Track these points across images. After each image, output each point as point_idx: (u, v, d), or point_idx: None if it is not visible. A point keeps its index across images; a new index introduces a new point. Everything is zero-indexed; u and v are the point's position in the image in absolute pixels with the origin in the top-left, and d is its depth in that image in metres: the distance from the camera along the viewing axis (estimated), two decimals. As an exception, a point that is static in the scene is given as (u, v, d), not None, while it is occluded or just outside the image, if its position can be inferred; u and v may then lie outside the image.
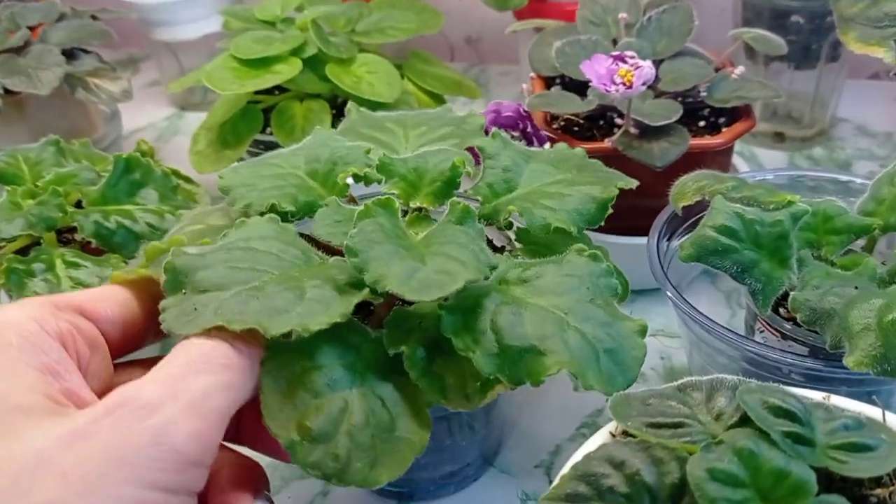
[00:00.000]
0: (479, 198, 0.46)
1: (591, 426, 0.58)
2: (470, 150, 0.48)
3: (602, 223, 0.45)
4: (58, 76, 0.72)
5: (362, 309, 0.40)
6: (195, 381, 0.33)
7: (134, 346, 0.40)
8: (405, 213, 0.45)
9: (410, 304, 0.38)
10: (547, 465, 0.56)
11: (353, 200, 0.47)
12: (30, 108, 0.79)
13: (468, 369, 0.36)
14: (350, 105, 0.55)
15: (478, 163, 0.47)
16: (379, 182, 0.46)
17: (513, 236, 0.47)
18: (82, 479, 0.29)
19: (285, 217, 0.43)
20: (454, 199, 0.42)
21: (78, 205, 0.60)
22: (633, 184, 0.47)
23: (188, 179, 0.67)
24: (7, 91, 0.72)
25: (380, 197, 0.40)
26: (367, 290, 0.36)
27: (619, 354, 0.36)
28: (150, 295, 0.40)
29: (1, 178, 0.62)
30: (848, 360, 0.40)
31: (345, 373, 0.36)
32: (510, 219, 0.45)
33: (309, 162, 0.47)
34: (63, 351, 0.35)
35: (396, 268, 0.36)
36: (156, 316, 0.37)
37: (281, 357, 0.36)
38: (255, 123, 0.73)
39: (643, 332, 0.37)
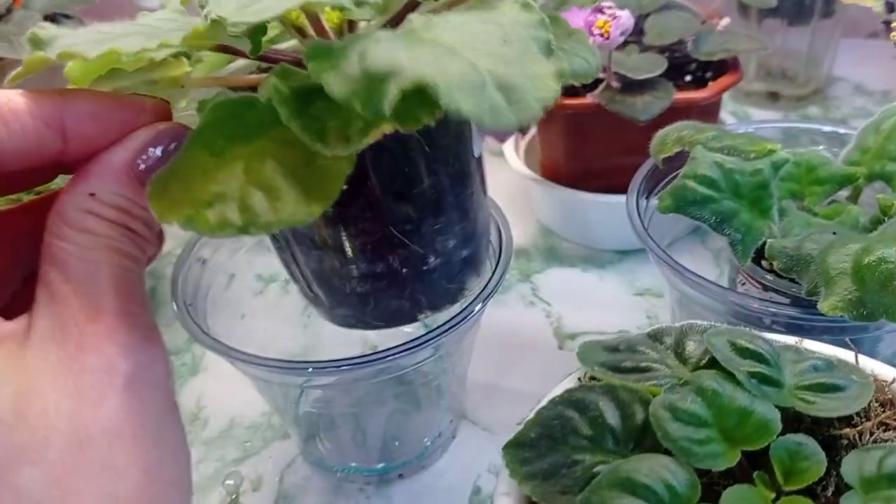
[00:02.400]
0: None
1: (560, 383, 0.58)
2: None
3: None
4: (38, 41, 0.72)
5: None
6: None
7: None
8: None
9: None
10: (530, 423, 0.55)
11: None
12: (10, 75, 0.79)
13: (353, 113, 0.28)
14: None
15: None
16: None
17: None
18: None
19: None
20: None
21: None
22: None
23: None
24: (-11, 57, 0.72)
25: None
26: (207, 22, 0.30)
27: (517, 92, 0.27)
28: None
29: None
30: (823, 305, 0.39)
31: (235, 139, 0.30)
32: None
33: None
34: None
35: (238, 5, 0.30)
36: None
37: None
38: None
39: (558, 76, 0.29)
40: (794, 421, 0.33)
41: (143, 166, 0.30)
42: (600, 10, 0.54)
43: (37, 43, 0.31)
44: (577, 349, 0.37)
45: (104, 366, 0.27)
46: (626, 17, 0.53)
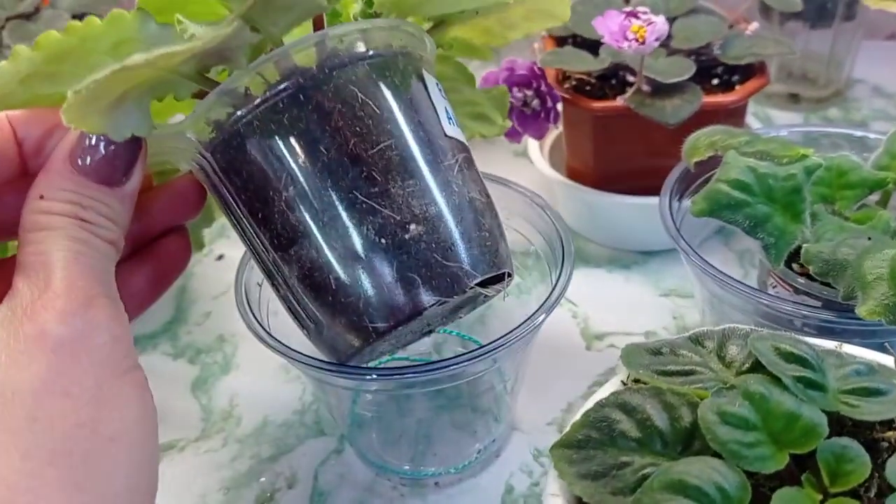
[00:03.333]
0: None
1: (599, 390, 0.59)
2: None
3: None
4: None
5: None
6: None
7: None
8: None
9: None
10: (559, 423, 0.56)
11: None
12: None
13: None
14: None
15: None
16: None
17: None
18: None
19: None
20: None
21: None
22: None
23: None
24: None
25: None
26: None
27: None
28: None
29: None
30: (860, 310, 0.40)
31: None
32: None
33: None
34: None
35: None
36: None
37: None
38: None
39: None
40: (835, 424, 0.34)
41: (84, 158, 0.32)
42: (635, 15, 0.54)
43: None
44: (621, 352, 0.38)
45: (36, 332, 0.30)
46: (661, 23, 0.54)
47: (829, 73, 0.86)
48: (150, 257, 0.40)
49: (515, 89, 0.63)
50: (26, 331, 0.30)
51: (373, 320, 0.36)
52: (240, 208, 0.37)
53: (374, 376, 0.42)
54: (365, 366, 0.41)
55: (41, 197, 0.32)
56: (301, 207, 0.36)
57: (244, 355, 0.63)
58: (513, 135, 0.67)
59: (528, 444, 0.54)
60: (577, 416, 0.35)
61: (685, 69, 0.59)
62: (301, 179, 0.36)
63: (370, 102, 0.36)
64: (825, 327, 0.45)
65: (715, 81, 0.65)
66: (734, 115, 0.64)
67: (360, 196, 0.36)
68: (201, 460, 0.55)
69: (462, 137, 0.40)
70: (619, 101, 0.60)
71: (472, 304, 0.41)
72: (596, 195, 0.66)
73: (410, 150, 0.37)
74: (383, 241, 0.36)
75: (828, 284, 0.45)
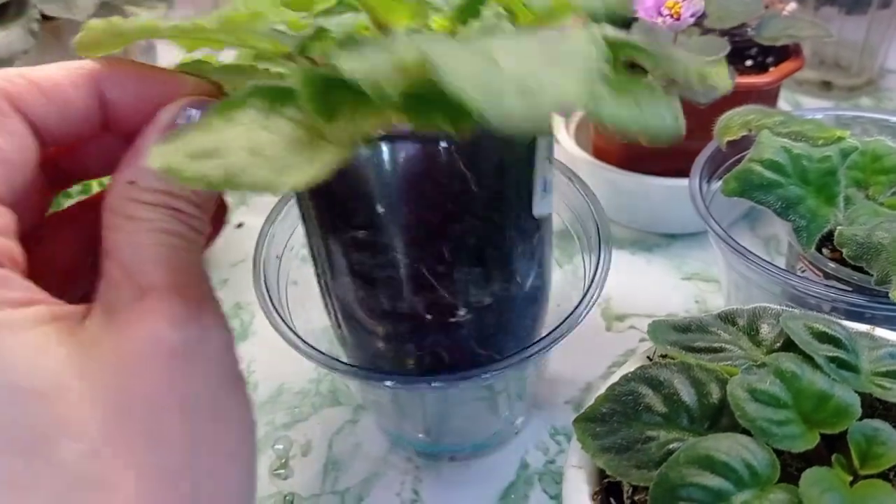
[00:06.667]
0: None
1: (623, 366, 0.58)
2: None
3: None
4: (94, 2, 0.72)
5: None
6: None
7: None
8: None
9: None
10: (577, 402, 0.55)
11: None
12: (66, 36, 0.79)
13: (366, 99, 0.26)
14: None
15: None
16: None
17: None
18: None
19: None
20: None
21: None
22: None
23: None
24: (45, 17, 0.72)
25: None
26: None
27: (533, 85, 0.23)
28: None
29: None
30: (894, 293, 0.39)
31: (254, 113, 0.28)
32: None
33: None
34: None
35: None
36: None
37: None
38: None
39: (587, 85, 0.24)
40: (866, 407, 0.33)
41: None
42: (670, -9, 0.53)
43: None
44: (648, 327, 0.37)
45: (148, 337, 0.27)
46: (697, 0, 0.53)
47: (862, 62, 0.84)
48: None
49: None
50: (136, 335, 0.27)
51: (389, 367, 0.39)
52: (313, 219, 0.36)
53: (391, 383, 0.39)
54: (381, 372, 0.39)
55: (131, 182, 0.29)
56: (369, 252, 0.35)
57: (261, 323, 0.62)
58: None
59: (545, 422, 0.54)
60: (602, 390, 0.34)
61: (719, 48, 0.58)
62: (375, 228, 0.34)
63: (471, 178, 0.33)
64: (854, 312, 0.44)
65: (748, 63, 0.64)
66: (766, 98, 0.63)
67: (423, 269, 0.35)
68: (216, 425, 0.55)
69: (550, 208, 0.38)
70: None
71: None
72: (622, 175, 0.65)
73: (488, 237, 0.35)
74: (428, 316, 0.36)
75: (859, 269, 0.44)
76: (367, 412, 0.55)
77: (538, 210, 0.36)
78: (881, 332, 0.37)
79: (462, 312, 0.36)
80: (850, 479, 0.30)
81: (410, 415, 0.50)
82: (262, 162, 0.25)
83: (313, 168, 0.26)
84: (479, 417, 0.50)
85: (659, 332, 0.36)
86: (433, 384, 0.37)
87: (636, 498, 0.32)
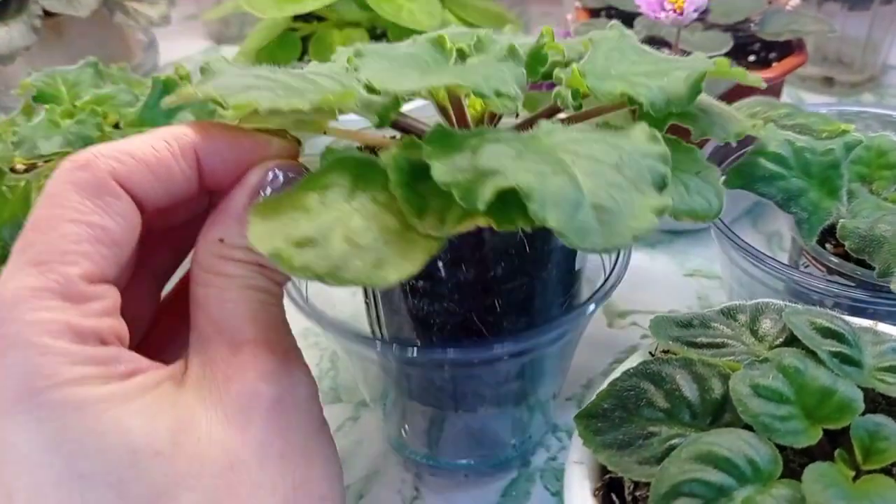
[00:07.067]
0: (562, 77, 0.36)
1: (624, 362, 0.58)
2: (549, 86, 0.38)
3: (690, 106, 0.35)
4: (96, -1, 0.72)
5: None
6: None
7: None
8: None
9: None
10: (578, 398, 0.55)
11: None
12: (69, 33, 0.79)
13: (454, 200, 0.29)
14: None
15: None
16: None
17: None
18: None
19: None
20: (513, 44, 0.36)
21: (116, 126, 0.60)
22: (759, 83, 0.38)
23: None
24: (47, 13, 0.72)
25: (436, 35, 0.36)
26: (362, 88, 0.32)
27: (612, 214, 0.27)
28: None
29: (40, 97, 0.62)
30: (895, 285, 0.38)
31: (345, 192, 0.30)
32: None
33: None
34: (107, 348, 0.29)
35: (390, 73, 0.32)
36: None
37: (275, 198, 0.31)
38: (292, 51, 0.72)
39: (659, 210, 0.28)
40: (869, 402, 0.33)
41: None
42: (673, -15, 0.53)
43: (205, 73, 0.33)
44: (650, 322, 0.37)
45: (248, 392, 0.29)
46: (700, -7, 0.52)
47: (864, 58, 0.84)
48: None
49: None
50: (236, 390, 0.29)
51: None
52: None
53: (414, 354, 0.39)
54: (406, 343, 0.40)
55: (221, 240, 0.31)
56: (426, 300, 0.38)
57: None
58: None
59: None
60: (603, 386, 0.34)
61: (722, 43, 0.58)
62: (435, 280, 0.37)
63: (525, 244, 0.36)
64: (857, 307, 0.44)
65: (752, 58, 0.63)
66: (769, 94, 0.62)
67: (474, 317, 0.38)
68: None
69: (585, 261, 0.41)
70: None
71: None
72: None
73: (536, 292, 0.39)
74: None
75: (861, 264, 0.44)
76: (369, 410, 0.54)
77: (580, 263, 0.39)
78: (884, 327, 0.37)
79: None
80: (853, 474, 0.30)
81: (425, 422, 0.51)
82: (360, 254, 0.28)
83: (407, 264, 0.28)
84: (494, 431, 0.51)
85: (661, 327, 0.36)
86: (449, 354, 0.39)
87: (638, 494, 0.32)
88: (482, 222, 0.29)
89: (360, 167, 0.31)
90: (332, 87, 0.31)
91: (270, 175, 0.32)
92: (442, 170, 0.28)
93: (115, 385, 0.28)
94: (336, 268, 0.28)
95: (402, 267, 0.28)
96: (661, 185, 0.29)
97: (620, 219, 0.27)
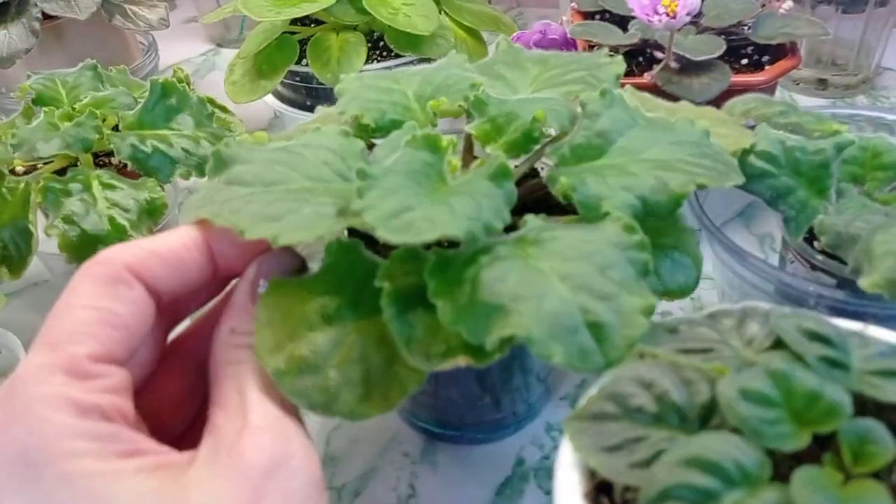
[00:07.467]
0: (555, 159, 0.39)
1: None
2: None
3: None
4: (95, 1, 0.72)
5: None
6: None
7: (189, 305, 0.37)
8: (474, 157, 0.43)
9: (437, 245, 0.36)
10: (572, 398, 0.56)
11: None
12: (68, 36, 0.79)
13: (442, 329, 0.33)
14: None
15: None
16: (470, 118, 0.42)
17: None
18: None
19: (369, 131, 0.42)
20: (499, 154, 0.38)
21: (115, 129, 0.61)
22: (740, 180, 0.39)
23: (224, 108, 0.68)
24: (46, 16, 0.72)
25: (429, 133, 0.37)
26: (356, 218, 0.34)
27: (606, 330, 0.31)
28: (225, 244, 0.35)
29: (39, 100, 0.62)
30: (863, 282, 0.38)
31: (344, 307, 0.34)
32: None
33: (422, 84, 0.44)
34: (110, 425, 0.30)
35: (389, 203, 0.33)
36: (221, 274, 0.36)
37: (281, 289, 0.35)
38: (290, 54, 0.72)
39: (648, 311, 0.32)
40: (857, 406, 0.33)
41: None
42: (666, -10, 0.53)
43: (218, 161, 0.36)
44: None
45: (245, 469, 0.30)
46: (692, -2, 0.53)
47: (858, 60, 0.84)
48: None
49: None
50: (235, 470, 0.30)
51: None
52: None
53: None
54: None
55: (232, 330, 0.34)
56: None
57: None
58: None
59: (541, 419, 0.54)
60: (594, 390, 0.34)
61: (715, 47, 0.59)
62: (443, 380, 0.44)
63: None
64: (838, 308, 0.44)
65: (744, 61, 0.64)
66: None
67: (460, 400, 0.47)
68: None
69: None
70: (647, 78, 0.60)
71: None
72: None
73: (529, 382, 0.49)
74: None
75: (844, 261, 0.44)
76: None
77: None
78: (873, 330, 0.37)
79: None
80: (842, 478, 0.30)
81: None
82: (350, 389, 0.33)
83: (388, 401, 0.33)
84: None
85: (649, 334, 0.36)
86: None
87: (628, 496, 0.32)
88: (462, 362, 0.33)
89: (360, 279, 0.35)
90: (338, 219, 0.34)
91: (268, 272, 0.35)
92: (448, 313, 0.31)
93: (110, 462, 0.29)
94: (329, 403, 0.32)
95: (381, 405, 0.33)
96: (644, 272, 0.33)
97: (615, 331, 0.31)
